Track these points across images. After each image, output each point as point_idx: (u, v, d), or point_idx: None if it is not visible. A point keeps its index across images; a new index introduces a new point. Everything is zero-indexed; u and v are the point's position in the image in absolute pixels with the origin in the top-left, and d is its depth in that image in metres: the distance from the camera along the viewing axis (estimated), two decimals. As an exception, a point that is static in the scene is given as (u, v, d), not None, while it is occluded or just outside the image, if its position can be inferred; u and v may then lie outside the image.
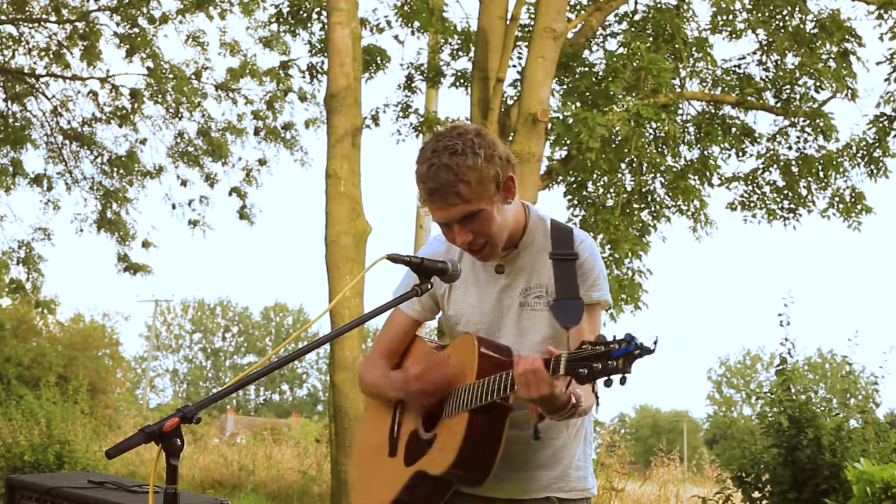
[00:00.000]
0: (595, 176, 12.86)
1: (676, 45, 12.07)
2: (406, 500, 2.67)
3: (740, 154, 12.71)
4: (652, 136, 12.19)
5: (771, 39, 12.50)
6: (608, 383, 2.19)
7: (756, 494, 9.30)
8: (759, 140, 12.69)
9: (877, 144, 11.97)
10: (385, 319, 2.93)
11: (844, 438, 8.89)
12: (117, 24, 15.38)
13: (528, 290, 2.67)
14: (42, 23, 15.59)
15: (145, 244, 16.07)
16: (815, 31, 12.01)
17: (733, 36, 12.68)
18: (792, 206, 12.82)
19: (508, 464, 2.60)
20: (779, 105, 12.40)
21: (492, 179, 2.52)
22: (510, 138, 10.42)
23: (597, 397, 2.44)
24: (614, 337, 2.17)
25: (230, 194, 15.98)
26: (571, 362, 2.22)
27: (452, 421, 2.56)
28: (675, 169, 12.90)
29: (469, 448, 2.50)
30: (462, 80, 12.71)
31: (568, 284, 2.59)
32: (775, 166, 12.78)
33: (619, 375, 2.16)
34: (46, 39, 15.61)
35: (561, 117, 10.92)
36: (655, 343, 2.16)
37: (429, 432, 2.65)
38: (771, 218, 12.89)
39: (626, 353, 2.13)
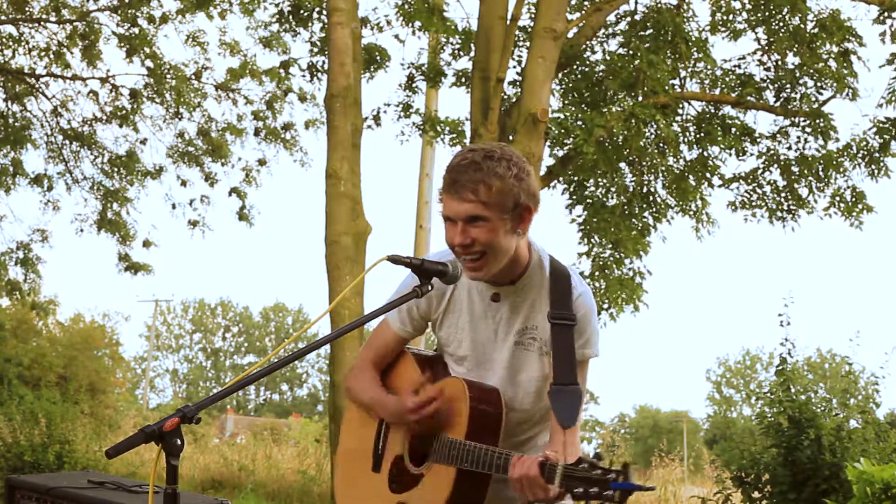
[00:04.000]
0: (595, 176, 12.87)
1: (677, 45, 12.07)
2: None
3: (740, 154, 12.71)
4: (652, 137, 12.20)
5: (771, 39, 12.50)
6: None
7: (756, 494, 9.30)
8: (759, 140, 12.68)
9: (880, 148, 11.97)
10: (374, 328, 2.94)
11: (844, 438, 8.90)
12: (117, 24, 15.39)
13: (525, 331, 2.67)
14: (42, 23, 15.60)
15: (146, 244, 16.08)
16: (816, 30, 12.00)
17: (733, 36, 12.68)
18: (792, 206, 12.82)
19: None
20: (779, 105, 12.39)
21: (512, 198, 2.52)
22: (510, 138, 10.43)
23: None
24: (610, 464, 2.14)
25: (230, 194, 16.00)
26: (568, 478, 2.20)
27: (440, 469, 2.60)
28: (675, 170, 12.91)
29: (456, 499, 2.55)
30: (462, 80, 12.71)
31: (566, 359, 2.59)
32: (775, 166, 12.78)
33: None
34: (46, 39, 15.63)
35: (561, 118, 10.93)
36: (653, 487, 2.22)
37: (416, 467, 2.67)
38: (771, 218, 12.89)
39: (624, 489, 2.11)
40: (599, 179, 13.03)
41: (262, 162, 16.15)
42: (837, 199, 12.48)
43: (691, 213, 13.06)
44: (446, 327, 2.77)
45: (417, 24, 12.51)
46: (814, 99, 12.29)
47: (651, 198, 12.98)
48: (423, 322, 2.83)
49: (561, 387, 2.56)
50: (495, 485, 2.58)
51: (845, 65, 11.94)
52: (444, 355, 2.82)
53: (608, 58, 12.66)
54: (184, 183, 16.22)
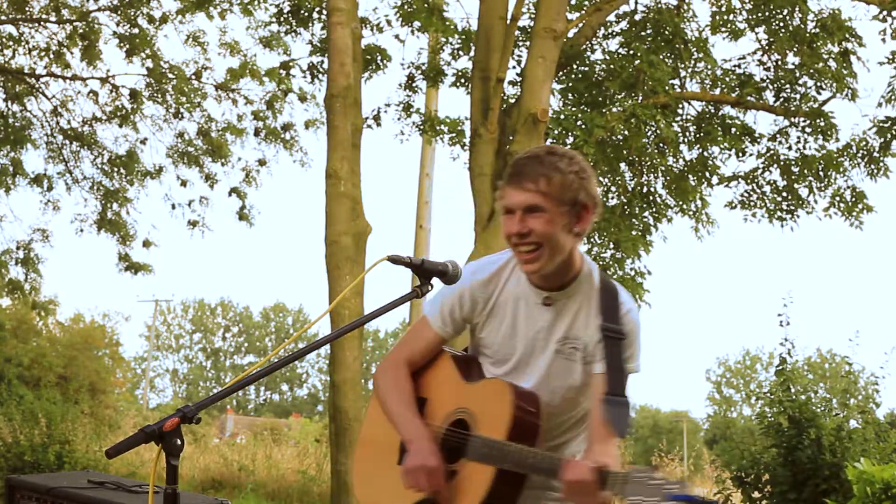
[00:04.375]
0: (595, 176, 12.84)
1: (677, 45, 12.07)
2: None
3: (740, 154, 12.70)
4: (652, 137, 12.19)
5: (771, 39, 12.50)
6: None
7: (756, 494, 9.30)
8: (759, 140, 12.68)
9: (880, 148, 11.97)
10: (411, 326, 2.95)
11: (844, 438, 8.90)
12: (117, 24, 15.38)
13: (567, 340, 2.68)
14: (42, 23, 15.59)
15: (146, 244, 16.07)
16: (816, 30, 12.00)
17: (733, 36, 12.68)
18: (791, 206, 12.82)
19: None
20: (779, 105, 12.39)
21: (571, 192, 2.58)
22: (510, 138, 10.43)
23: None
24: (667, 475, 2.16)
25: (230, 195, 15.99)
26: (625, 484, 2.22)
27: (476, 467, 2.58)
28: (675, 169, 12.90)
29: (490, 501, 2.53)
30: (462, 80, 12.71)
31: (617, 372, 2.60)
32: (775, 166, 12.78)
33: None
34: (46, 39, 15.62)
35: (561, 117, 10.92)
36: (716, 500, 2.17)
37: (449, 464, 2.64)
38: (771, 218, 12.89)
39: (683, 501, 2.12)
40: (599, 179, 13.03)
41: (262, 162, 16.14)
42: (837, 199, 12.48)
43: (691, 213, 13.06)
44: (488, 331, 2.76)
45: (417, 24, 12.50)
46: (814, 99, 12.29)
47: (651, 198, 12.97)
48: (464, 324, 2.82)
49: (614, 398, 2.56)
50: (528, 491, 2.57)
51: (845, 65, 11.94)
52: (480, 356, 2.81)
53: (608, 58, 12.66)
54: (184, 183, 16.22)
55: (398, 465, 2.71)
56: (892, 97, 11.85)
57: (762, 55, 12.68)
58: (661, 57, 11.73)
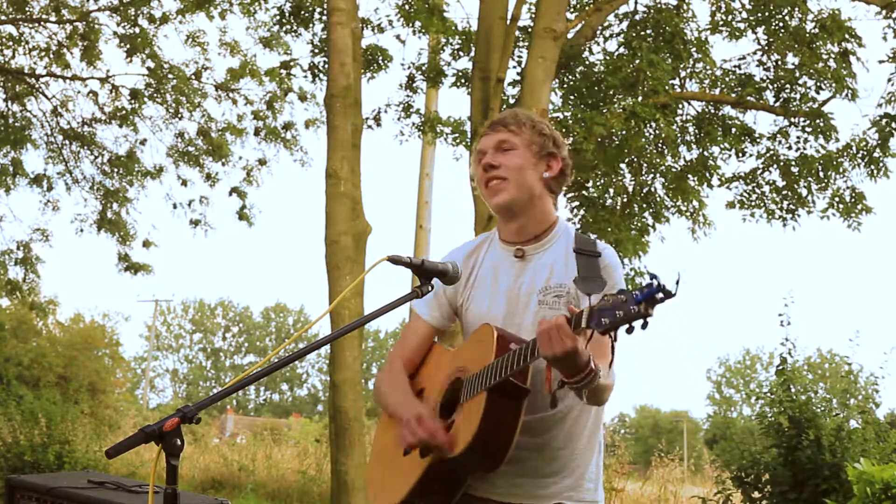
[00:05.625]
0: (595, 176, 12.86)
1: (677, 45, 12.07)
2: (418, 494, 2.63)
3: (740, 154, 12.70)
4: (652, 136, 12.19)
5: (771, 39, 12.50)
6: (629, 330, 2.15)
7: (756, 494, 9.30)
8: (759, 140, 12.68)
9: (878, 146, 11.97)
10: (406, 324, 2.98)
11: (844, 439, 8.90)
12: (117, 24, 15.38)
13: (548, 290, 2.67)
14: (42, 23, 15.59)
15: (146, 244, 16.07)
16: (816, 31, 12.00)
17: (733, 36, 12.67)
18: (791, 206, 12.82)
19: (522, 469, 2.59)
20: (779, 105, 12.38)
21: (540, 136, 2.73)
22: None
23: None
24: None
25: (230, 194, 16.00)
26: (594, 312, 2.20)
27: (470, 403, 2.54)
28: (674, 169, 12.90)
29: (487, 427, 2.45)
30: (463, 80, 12.71)
31: (591, 276, 2.57)
32: (775, 166, 12.77)
33: (641, 321, 2.12)
34: (46, 39, 15.62)
35: (561, 117, 10.92)
36: (678, 283, 2.11)
37: (446, 419, 2.61)
38: (770, 218, 12.89)
39: (648, 297, 2.09)
40: (599, 179, 13.03)
41: (262, 162, 16.15)
42: (836, 199, 12.47)
43: (688, 214, 13.06)
44: (474, 307, 2.76)
45: (418, 24, 12.51)
46: (813, 99, 12.28)
47: (651, 198, 12.97)
48: (451, 308, 2.83)
49: (586, 278, 2.52)
50: (528, 438, 2.53)
51: (845, 65, 11.93)
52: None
53: (608, 58, 12.65)
54: (184, 183, 16.23)
55: (403, 456, 2.70)
56: (892, 98, 11.85)
57: (762, 55, 12.68)
58: (662, 56, 11.72)
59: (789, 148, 12.67)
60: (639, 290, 2.12)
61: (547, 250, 2.71)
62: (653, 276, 2.11)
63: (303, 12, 13.37)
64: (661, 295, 2.10)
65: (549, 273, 2.68)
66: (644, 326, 2.14)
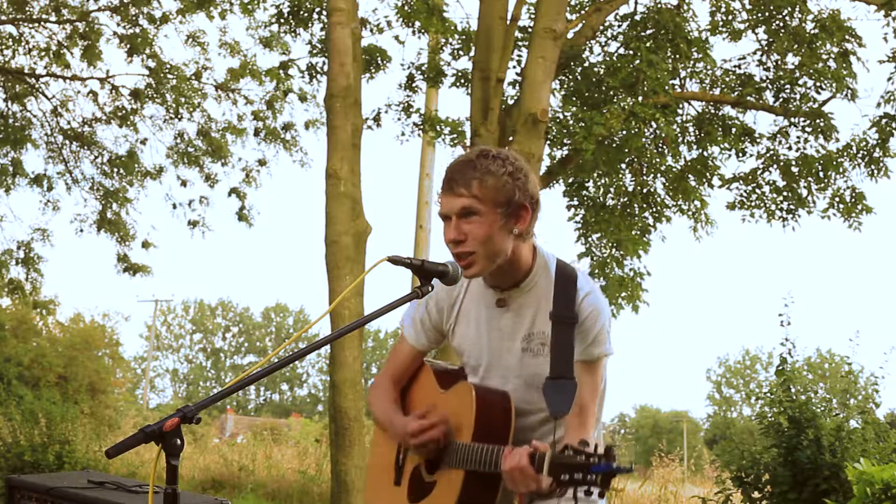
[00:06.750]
0: (595, 176, 12.86)
1: (677, 45, 12.06)
2: None
3: (740, 154, 12.70)
4: (652, 136, 12.19)
5: (771, 40, 12.49)
6: (588, 493, 2.15)
7: (756, 494, 9.29)
8: (759, 140, 12.68)
9: (878, 145, 11.97)
10: (393, 345, 2.99)
11: (844, 439, 8.89)
12: (118, 24, 15.38)
13: (532, 336, 2.66)
14: (42, 23, 15.58)
15: (145, 244, 16.06)
16: (816, 31, 12.00)
17: (733, 36, 12.67)
18: (791, 206, 12.81)
19: None
20: (779, 105, 12.38)
21: (505, 194, 2.54)
22: (510, 138, 10.42)
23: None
24: (595, 448, 2.13)
25: (230, 195, 15.99)
26: (555, 465, 2.19)
27: (451, 474, 2.62)
28: (675, 169, 12.90)
29: (465, 500, 2.57)
30: (462, 80, 12.71)
31: (563, 355, 2.56)
32: (775, 166, 12.77)
33: (597, 489, 2.13)
34: (46, 39, 15.60)
35: (560, 117, 10.92)
36: (632, 465, 2.24)
37: (430, 474, 2.70)
38: (770, 218, 12.89)
39: (604, 472, 2.11)
40: (599, 179, 13.03)
41: (262, 162, 16.13)
42: (837, 199, 12.47)
43: (689, 213, 13.06)
44: (458, 337, 2.78)
45: (417, 24, 12.50)
46: (813, 99, 12.28)
47: (651, 198, 12.97)
48: (437, 333, 2.84)
49: (554, 381, 2.54)
50: (506, 493, 2.58)
51: (845, 65, 11.93)
52: (465, 366, 2.82)
53: (608, 58, 12.65)
54: (184, 183, 16.22)
55: (394, 485, 2.78)
56: (892, 98, 11.85)
57: (762, 55, 12.68)
58: (662, 56, 11.72)
59: (789, 148, 12.67)
60: (597, 459, 2.11)
61: (528, 293, 2.67)
62: (609, 454, 2.10)
63: (302, 12, 13.37)
64: (614, 475, 2.12)
65: (533, 319, 2.66)
66: (601, 496, 2.19)
